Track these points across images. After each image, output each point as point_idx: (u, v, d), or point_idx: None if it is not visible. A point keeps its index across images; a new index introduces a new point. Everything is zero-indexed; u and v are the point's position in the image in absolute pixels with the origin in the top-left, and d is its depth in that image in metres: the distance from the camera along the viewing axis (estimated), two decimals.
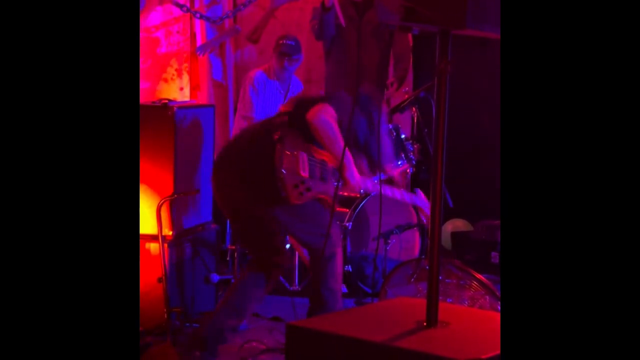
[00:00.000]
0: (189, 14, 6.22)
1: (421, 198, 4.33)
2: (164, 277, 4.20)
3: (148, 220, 4.33)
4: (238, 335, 4.23)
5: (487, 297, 3.64)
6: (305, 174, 3.76)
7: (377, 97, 4.25)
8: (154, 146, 4.36)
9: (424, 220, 4.67)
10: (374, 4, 3.07)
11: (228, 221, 5.07)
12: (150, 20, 6.29)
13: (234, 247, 4.92)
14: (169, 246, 4.33)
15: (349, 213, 5.04)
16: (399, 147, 5.05)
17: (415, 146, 5.15)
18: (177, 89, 6.34)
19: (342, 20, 5.80)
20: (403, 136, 5.11)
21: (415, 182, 5.96)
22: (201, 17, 6.25)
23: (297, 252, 4.95)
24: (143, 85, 6.21)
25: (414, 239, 5.34)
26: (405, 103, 4.99)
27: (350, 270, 5.01)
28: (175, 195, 4.38)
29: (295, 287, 4.99)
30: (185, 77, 6.37)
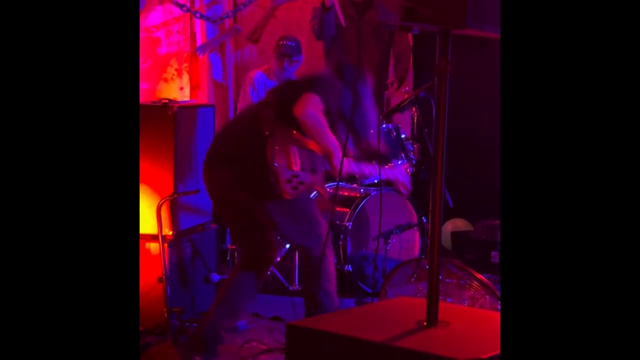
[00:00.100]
0: (189, 13, 6.22)
1: (401, 170, 4.34)
2: (164, 277, 4.20)
3: (148, 220, 4.33)
4: (238, 335, 4.24)
5: (487, 296, 3.63)
6: (297, 167, 3.77)
7: (361, 69, 4.22)
8: (154, 146, 4.36)
9: (404, 192, 4.69)
10: (374, 4, 3.07)
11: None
12: (150, 20, 6.29)
13: (234, 247, 4.92)
14: (169, 246, 4.33)
15: (349, 213, 5.04)
16: (399, 146, 5.06)
17: (415, 146, 5.16)
18: (177, 89, 6.34)
19: (342, 20, 5.81)
20: (403, 136, 5.11)
21: (415, 182, 5.97)
22: (201, 16, 6.25)
23: (297, 252, 4.95)
24: (143, 85, 6.22)
25: (414, 239, 5.34)
26: (405, 103, 4.99)
27: (350, 270, 5.01)
28: (175, 195, 4.38)
29: (295, 287, 4.99)
30: (185, 77, 6.37)
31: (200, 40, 6.37)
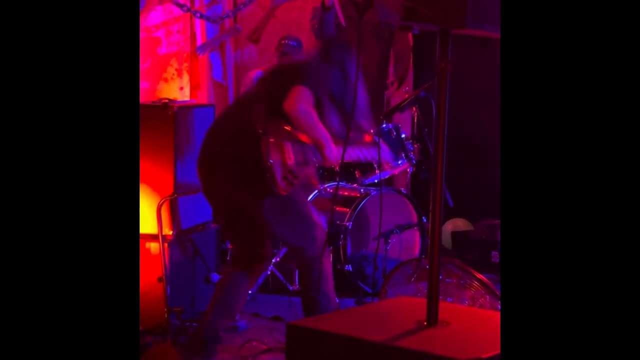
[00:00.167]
0: (189, 13, 6.22)
1: (384, 149, 4.36)
2: (164, 277, 4.20)
3: (148, 220, 4.33)
4: (238, 335, 4.24)
5: (488, 296, 3.63)
6: (291, 162, 3.77)
7: (350, 46, 4.21)
8: (154, 146, 4.36)
9: (387, 173, 4.74)
10: (374, 4, 3.08)
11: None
12: (151, 20, 6.29)
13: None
14: (169, 246, 4.33)
15: (349, 213, 5.03)
16: (399, 146, 5.05)
17: (415, 146, 5.16)
18: (177, 89, 6.34)
19: (342, 20, 5.80)
20: (403, 136, 5.11)
21: (415, 182, 5.98)
22: (201, 16, 6.26)
23: (292, 253, 4.94)
24: (143, 84, 6.22)
25: (414, 239, 5.34)
26: (405, 102, 4.99)
27: (351, 270, 5.01)
28: (175, 195, 4.38)
29: (295, 286, 4.99)
30: (185, 77, 6.37)
31: (200, 40, 6.37)
